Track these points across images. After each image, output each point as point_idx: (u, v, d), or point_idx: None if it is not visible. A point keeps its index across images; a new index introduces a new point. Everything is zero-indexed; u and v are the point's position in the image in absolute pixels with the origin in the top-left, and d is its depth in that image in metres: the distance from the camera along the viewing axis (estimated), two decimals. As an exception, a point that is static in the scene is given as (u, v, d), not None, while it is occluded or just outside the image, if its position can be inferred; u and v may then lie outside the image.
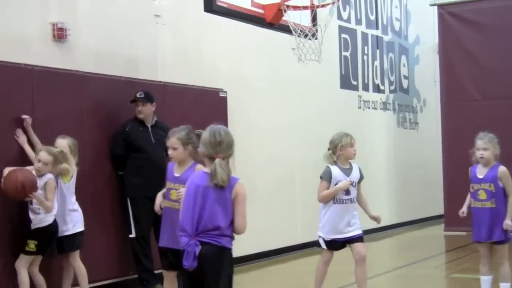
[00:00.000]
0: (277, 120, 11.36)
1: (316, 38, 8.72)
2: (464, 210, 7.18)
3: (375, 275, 9.17)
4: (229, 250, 4.42)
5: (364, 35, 14.02)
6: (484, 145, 6.91)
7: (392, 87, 15.10)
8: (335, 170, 7.05)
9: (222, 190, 4.39)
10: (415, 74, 16.13)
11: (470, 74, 13.68)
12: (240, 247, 10.03)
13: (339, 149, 7.04)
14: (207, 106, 9.61)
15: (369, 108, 14.07)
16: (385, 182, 14.57)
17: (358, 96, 13.71)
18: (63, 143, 7.14)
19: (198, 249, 4.30)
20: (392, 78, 15.10)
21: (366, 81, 13.99)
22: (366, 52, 14.04)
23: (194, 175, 4.62)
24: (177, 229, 5.13)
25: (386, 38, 14.93)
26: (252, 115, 10.76)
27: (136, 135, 8.22)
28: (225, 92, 10.02)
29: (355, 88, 13.63)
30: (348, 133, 7.18)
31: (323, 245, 6.99)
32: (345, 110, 13.25)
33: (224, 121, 9.96)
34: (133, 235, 8.25)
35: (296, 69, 11.68)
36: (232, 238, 4.47)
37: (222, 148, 4.46)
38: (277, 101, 11.38)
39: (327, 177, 7.00)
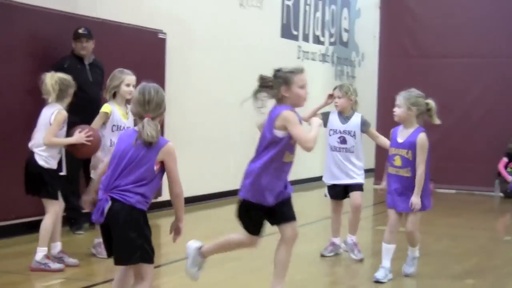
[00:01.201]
0: (216, 65, 11.28)
1: (259, -16, 8.63)
2: (383, 185, 6.59)
3: (305, 223, 9.31)
4: (138, 210, 4.27)
5: (308, -15, 13.99)
6: (397, 102, 6.34)
7: (332, 40, 15.14)
8: (333, 117, 7.24)
9: (148, 149, 4.28)
10: (355, 27, 16.20)
11: (410, 30, 13.84)
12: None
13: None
14: (145, 47, 9.47)
15: (308, 59, 14.11)
16: (321, 134, 14.68)
17: (298, 46, 13.71)
18: None
19: (107, 205, 4.22)
20: (333, 31, 15.13)
21: (306, 32, 13.99)
22: (308, 2, 14.01)
23: (124, 132, 4.64)
24: None
25: (329, -11, 14.93)
26: (191, 58, 10.66)
27: (74, 73, 8.04)
28: (165, 33, 9.88)
29: (295, 38, 13.62)
30: (342, 84, 7.44)
31: (326, 193, 7.37)
32: (284, 60, 13.10)
33: (162, 64, 9.86)
34: (63, 172, 8.14)
35: (238, 14, 11.61)
36: (145, 198, 4.32)
37: (151, 107, 4.34)
38: (218, 46, 11.28)
39: (324, 119, 7.14)
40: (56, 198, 6.46)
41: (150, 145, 4.27)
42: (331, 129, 7.20)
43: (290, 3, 13.28)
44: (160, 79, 9.82)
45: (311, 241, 8.36)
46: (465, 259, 7.33)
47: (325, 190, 7.37)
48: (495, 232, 8.94)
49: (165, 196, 9.83)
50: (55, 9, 8.23)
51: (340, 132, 7.18)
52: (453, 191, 13.14)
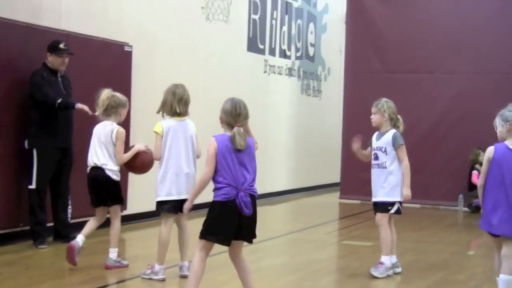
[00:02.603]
0: (182, 78, 11.15)
1: (225, -1, 8.64)
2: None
3: (269, 238, 9.30)
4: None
5: (274, 0, 14.01)
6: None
7: (298, 54, 15.20)
8: (374, 136, 7.34)
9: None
10: (321, 42, 16.29)
11: (375, 46, 13.94)
12: (139, 203, 9.98)
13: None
14: (111, 59, 9.43)
15: (274, 73, 14.14)
16: (286, 148, 14.74)
17: (264, 60, 13.74)
18: None
19: (249, 199, 5.24)
20: (299, 45, 15.20)
21: (273, 46, 14.03)
22: (275, 16, 14.06)
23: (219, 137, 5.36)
24: None
25: (296, 4, 14.98)
26: (157, 71, 10.60)
27: (51, 85, 8.04)
28: (131, 46, 9.84)
29: (262, 52, 13.65)
30: (379, 100, 7.35)
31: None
32: (250, 73, 13.27)
33: (128, 76, 9.81)
34: (33, 186, 8.07)
35: (204, 28, 11.61)
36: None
37: (240, 119, 5.37)
38: (184, 59, 11.26)
39: (370, 142, 7.35)
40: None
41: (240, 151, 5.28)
42: (370, 146, 7.33)
43: (256, 17, 13.32)
44: (126, 91, 9.73)
45: (277, 256, 8.36)
46: (430, 274, 7.36)
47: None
48: (459, 246, 8.99)
49: (130, 209, 9.79)
50: (19, 21, 8.15)
51: (374, 149, 7.23)
52: (418, 205, 13.21)
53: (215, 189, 5.31)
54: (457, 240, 9.88)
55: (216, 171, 5.28)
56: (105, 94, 6.95)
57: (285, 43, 14.54)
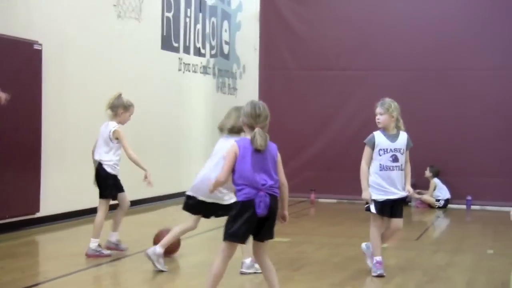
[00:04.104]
0: (96, 77, 11.05)
1: (137, -4, 8.53)
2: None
3: (187, 236, 9.22)
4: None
5: (188, -3, 13.96)
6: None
7: (213, 52, 15.17)
8: (380, 137, 7.08)
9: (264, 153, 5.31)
10: (236, 40, 16.31)
11: (288, 43, 14.05)
12: (67, 203, 9.76)
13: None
14: (20, 58, 9.18)
15: (189, 71, 14.06)
16: (201, 146, 14.67)
17: (179, 58, 13.65)
18: None
19: (268, 200, 5.25)
20: (214, 43, 15.18)
21: (187, 44, 13.95)
22: (189, 14, 13.98)
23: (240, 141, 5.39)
24: None
25: (209, 2, 14.95)
26: (69, 70, 10.39)
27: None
28: (40, 44, 9.59)
29: (176, 50, 13.55)
30: (383, 99, 7.23)
31: (372, 208, 7.10)
32: (165, 72, 13.16)
33: (39, 76, 9.57)
34: None
35: (116, 26, 11.44)
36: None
37: (261, 120, 5.32)
38: (96, 57, 11.06)
39: (370, 143, 7.09)
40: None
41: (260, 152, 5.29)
42: (380, 149, 7.05)
43: (170, 15, 13.21)
44: (36, 90, 9.54)
45: (196, 254, 8.31)
46: (345, 267, 7.46)
47: (371, 205, 7.08)
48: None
49: (42, 212, 9.58)
50: None
51: (392, 151, 7.04)
52: (334, 200, 13.40)
53: (236, 191, 5.34)
54: (339, 233, 10.03)
55: (236, 173, 5.31)
56: (113, 95, 7.74)
57: (199, 41, 14.49)
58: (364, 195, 7.07)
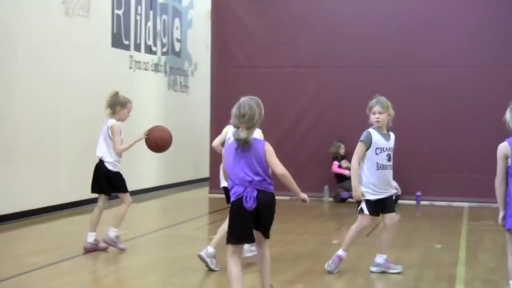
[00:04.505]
0: (44, 75, 10.92)
1: (85, -7, 8.44)
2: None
3: (137, 235, 9.20)
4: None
5: (138, -5, 13.86)
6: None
7: (164, 49, 15.10)
8: (376, 134, 6.95)
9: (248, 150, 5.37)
10: (187, 37, 16.25)
11: (240, 41, 14.06)
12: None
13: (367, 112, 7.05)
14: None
15: (140, 69, 13.97)
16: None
17: (130, 56, 13.55)
18: None
19: (255, 194, 5.33)
20: (165, 40, 15.10)
21: (138, 41, 13.86)
22: (139, 12, 13.89)
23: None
24: None
25: (160, -1, 14.89)
26: (16, 68, 10.26)
27: None
28: (-14, 42, 9.45)
29: (127, 47, 13.45)
30: (379, 98, 7.08)
31: (364, 208, 6.98)
32: (115, 70, 13.05)
33: (-15, 74, 9.42)
34: None
35: (65, 23, 11.31)
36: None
37: (245, 120, 5.34)
38: (45, 56, 10.93)
39: (367, 141, 6.92)
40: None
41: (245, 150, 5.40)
42: (377, 148, 6.92)
43: (120, 12, 13.11)
44: (-17, 90, 9.40)
45: (145, 253, 8.27)
46: (296, 264, 7.50)
47: (362, 205, 6.98)
48: (325, 236, 9.21)
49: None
50: None
51: (387, 150, 6.97)
52: (287, 197, 13.44)
53: (231, 194, 5.45)
54: (322, 230, 10.12)
55: (227, 175, 5.49)
56: (109, 93, 7.98)
57: (150, 38, 14.41)
58: (356, 193, 6.95)
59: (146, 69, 14.25)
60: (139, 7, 13.87)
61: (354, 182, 6.96)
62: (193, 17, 16.49)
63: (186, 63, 16.26)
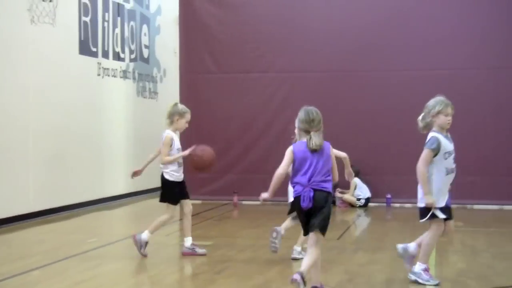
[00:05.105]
0: (11, 84, 10.81)
1: (51, 1, 8.38)
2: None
3: (108, 242, 9.14)
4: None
5: (105, 1, 13.76)
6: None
7: (133, 56, 15.04)
8: (442, 139, 6.69)
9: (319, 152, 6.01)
10: (156, 44, 16.20)
11: (208, 46, 14.04)
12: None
13: (432, 116, 6.79)
14: None
15: (108, 76, 13.89)
16: (123, 151, 14.54)
17: (98, 63, 13.47)
18: None
19: (312, 194, 5.95)
20: (133, 47, 15.04)
21: (106, 48, 13.79)
22: (107, 18, 13.82)
23: (296, 144, 6.13)
24: None
25: (128, 6, 14.81)
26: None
27: None
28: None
29: (95, 54, 13.37)
30: (446, 99, 6.79)
31: (439, 214, 6.67)
32: (83, 77, 12.97)
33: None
34: None
35: (30, 31, 11.21)
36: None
37: (315, 124, 6.02)
38: (12, 64, 10.82)
39: (437, 147, 6.66)
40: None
41: (316, 151, 6.00)
42: (446, 152, 6.68)
43: (87, 19, 13.02)
44: None
45: (116, 260, 8.22)
46: (267, 269, 7.50)
47: (436, 211, 6.67)
48: (294, 241, 9.20)
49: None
50: None
51: (453, 152, 6.74)
52: (258, 202, 13.42)
53: (293, 189, 6.14)
54: (294, 235, 10.08)
55: (292, 173, 6.12)
56: (170, 104, 8.30)
57: (118, 45, 14.34)
58: (429, 200, 6.63)
59: (115, 76, 14.18)
60: (106, 14, 13.80)
61: (425, 189, 6.68)
62: (161, 24, 16.45)
63: (154, 69, 16.21)
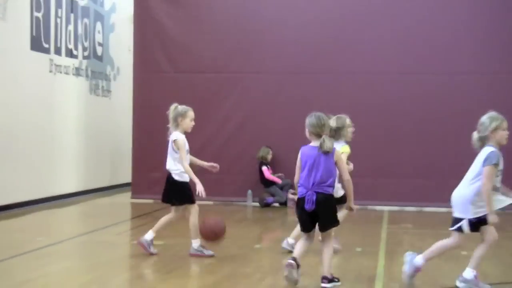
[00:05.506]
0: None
1: (1, -5, 8.24)
2: None
3: (57, 241, 9.03)
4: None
5: (59, -3, 13.60)
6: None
7: (86, 53, 14.88)
8: (499, 155, 6.40)
9: (328, 155, 6.50)
10: (110, 41, 16.06)
11: (163, 45, 13.97)
12: None
13: (490, 132, 6.47)
14: None
15: (61, 73, 13.72)
16: (75, 149, 14.38)
17: (50, 59, 13.29)
18: None
19: (315, 197, 6.46)
20: (86, 44, 14.88)
21: (58, 45, 13.61)
22: (60, 15, 13.64)
23: (305, 148, 6.64)
24: None
25: (82, 3, 14.64)
26: None
27: None
28: None
29: (47, 51, 13.19)
30: (494, 113, 6.55)
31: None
32: (35, 73, 12.79)
33: None
34: None
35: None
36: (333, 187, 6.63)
37: (325, 128, 6.59)
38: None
39: (497, 162, 6.37)
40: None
41: (328, 153, 6.52)
42: (499, 170, 6.44)
43: (39, 15, 12.84)
44: None
45: (65, 260, 8.13)
46: (218, 269, 7.49)
47: (463, 224, 6.56)
48: (247, 240, 9.23)
49: None
50: None
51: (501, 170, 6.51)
52: (211, 202, 13.41)
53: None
54: (245, 234, 10.12)
55: (299, 173, 6.61)
56: (170, 108, 8.16)
57: (71, 42, 14.17)
58: (494, 219, 6.37)
59: (67, 73, 14.01)
60: (59, 10, 13.63)
61: (490, 208, 6.37)
62: (116, 21, 16.32)
63: (108, 67, 16.07)
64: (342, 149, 8.00)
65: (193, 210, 8.22)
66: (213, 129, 13.78)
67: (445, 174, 12.71)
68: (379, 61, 13.34)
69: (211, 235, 8.01)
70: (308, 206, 6.46)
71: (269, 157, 13.42)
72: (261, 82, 13.70)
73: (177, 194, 8.18)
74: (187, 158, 8.15)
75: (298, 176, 6.61)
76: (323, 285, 6.57)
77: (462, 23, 13.20)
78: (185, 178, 8.16)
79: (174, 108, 8.20)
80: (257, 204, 13.33)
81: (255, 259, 8.15)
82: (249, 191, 13.47)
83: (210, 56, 13.83)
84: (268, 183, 13.37)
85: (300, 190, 6.56)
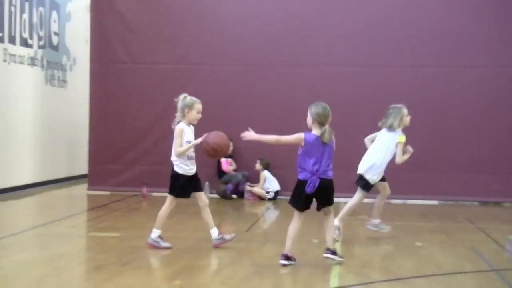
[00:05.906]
0: None
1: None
2: None
3: (11, 233, 8.93)
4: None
5: (9, -14, 13.38)
6: None
7: (41, 43, 14.68)
8: None
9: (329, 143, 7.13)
10: (66, 31, 15.86)
11: (121, 36, 13.85)
12: None
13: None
14: None
15: (15, 62, 13.52)
16: (30, 140, 14.21)
17: (4, 49, 13.08)
18: None
19: (318, 182, 7.11)
20: (42, 33, 14.68)
21: (13, 34, 13.40)
22: (14, 3, 13.42)
23: (309, 136, 7.13)
24: None
25: (37, -9, 14.45)
26: None
27: None
28: None
29: (1, 40, 12.98)
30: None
31: None
32: (-11, 63, 12.59)
33: None
34: None
35: None
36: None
37: (329, 119, 7.10)
38: None
39: None
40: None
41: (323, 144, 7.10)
42: None
43: (-6, 3, 12.64)
44: None
45: (20, 252, 8.03)
46: (175, 261, 7.48)
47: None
48: (204, 232, 9.21)
49: None
50: None
51: None
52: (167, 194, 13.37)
53: (299, 172, 7.16)
54: (202, 226, 10.09)
55: (301, 158, 7.13)
56: (179, 97, 8.19)
57: (26, 31, 13.96)
58: None
59: (22, 63, 13.81)
60: (13, -2, 13.42)
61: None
62: (72, 10, 16.12)
63: (64, 57, 15.87)
64: (399, 139, 8.70)
65: (169, 202, 8.28)
66: (170, 121, 13.58)
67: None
68: (353, 53, 13.43)
69: (216, 147, 8.16)
70: (309, 190, 7.06)
71: (230, 149, 13.41)
72: (221, 74, 13.66)
73: (173, 185, 8.23)
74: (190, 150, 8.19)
75: (284, 139, 7.24)
76: (326, 255, 7.35)
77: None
78: (184, 170, 8.17)
79: (183, 98, 8.19)
80: (215, 195, 13.32)
81: (209, 251, 8.15)
82: (207, 183, 13.44)
83: (168, 47, 13.75)
84: (222, 173, 13.42)
85: (304, 174, 7.10)
